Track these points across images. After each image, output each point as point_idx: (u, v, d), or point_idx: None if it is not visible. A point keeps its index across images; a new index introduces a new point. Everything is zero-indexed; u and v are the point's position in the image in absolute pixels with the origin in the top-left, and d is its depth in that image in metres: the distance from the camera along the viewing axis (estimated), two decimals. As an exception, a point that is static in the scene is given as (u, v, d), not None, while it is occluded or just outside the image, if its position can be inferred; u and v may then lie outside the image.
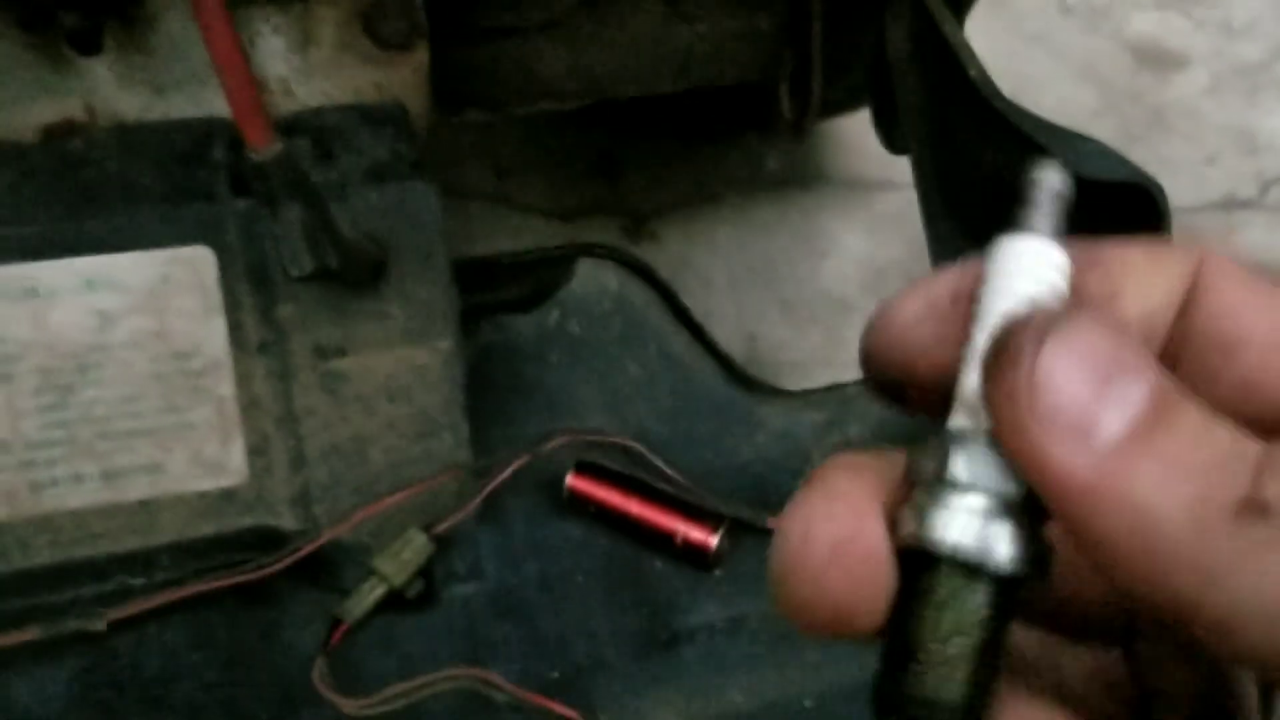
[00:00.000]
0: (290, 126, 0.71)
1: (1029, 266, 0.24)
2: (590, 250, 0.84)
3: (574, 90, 0.87)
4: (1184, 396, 0.22)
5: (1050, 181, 0.25)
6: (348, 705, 0.62)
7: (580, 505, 0.75)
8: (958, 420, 0.24)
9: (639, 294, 0.83)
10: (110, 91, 0.71)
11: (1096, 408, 0.22)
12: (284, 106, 0.73)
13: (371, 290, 0.69)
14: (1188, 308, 0.25)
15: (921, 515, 0.24)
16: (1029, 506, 0.24)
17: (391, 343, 0.69)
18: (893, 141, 0.84)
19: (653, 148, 1.19)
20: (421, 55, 0.74)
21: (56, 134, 0.71)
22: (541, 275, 0.85)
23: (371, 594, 0.68)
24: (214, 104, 0.72)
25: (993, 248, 0.25)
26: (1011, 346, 0.22)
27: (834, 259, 1.15)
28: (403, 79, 0.74)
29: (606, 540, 0.74)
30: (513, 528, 0.74)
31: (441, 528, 0.70)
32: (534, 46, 0.84)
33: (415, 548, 0.69)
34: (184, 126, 0.70)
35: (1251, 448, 0.22)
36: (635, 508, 0.73)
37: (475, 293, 0.79)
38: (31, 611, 0.66)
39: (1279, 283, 0.25)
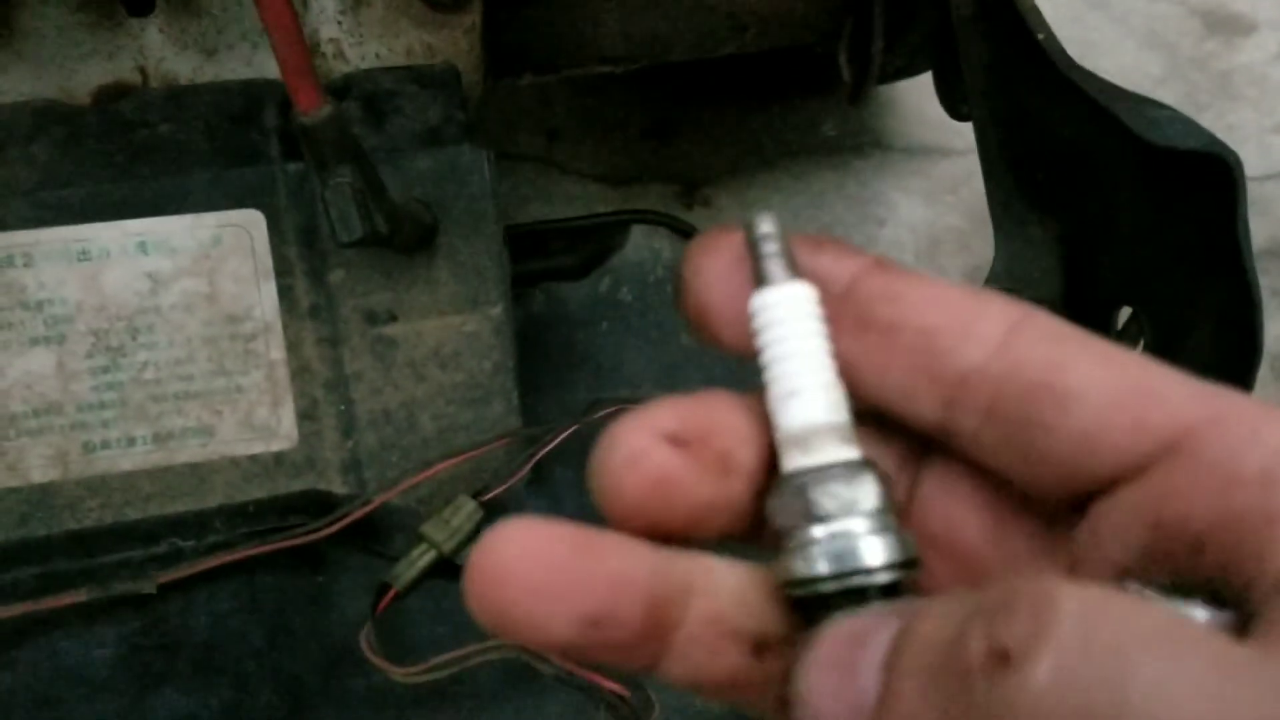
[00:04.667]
0: (341, 89, 0.70)
1: (790, 315, 0.26)
2: (643, 216, 0.83)
3: (629, 53, 0.86)
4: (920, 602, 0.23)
5: (765, 230, 0.27)
6: (395, 671, 0.61)
7: (631, 475, 0.73)
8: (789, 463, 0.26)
9: (692, 261, 0.82)
10: (162, 53, 0.71)
11: (856, 681, 0.22)
12: (335, 69, 0.72)
13: (422, 256, 0.68)
14: (1011, 358, 0.25)
15: (795, 559, 0.25)
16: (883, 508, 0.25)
17: (442, 309, 0.68)
18: (956, 107, 0.82)
19: (707, 113, 1.17)
20: (474, 16, 0.72)
21: (108, 95, 0.70)
22: (593, 242, 0.83)
23: (420, 560, 0.67)
24: (266, 66, 0.71)
25: (752, 307, 0.27)
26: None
27: (891, 227, 1.13)
28: (455, 41, 0.73)
29: (657, 511, 0.73)
30: (562, 497, 0.73)
31: (491, 495, 0.69)
32: (588, 8, 0.83)
33: (465, 514, 0.68)
34: (236, 88, 0.70)
35: (969, 601, 0.21)
36: (686, 478, 0.72)
37: (526, 259, 0.79)
38: (82, 574, 0.66)
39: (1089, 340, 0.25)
